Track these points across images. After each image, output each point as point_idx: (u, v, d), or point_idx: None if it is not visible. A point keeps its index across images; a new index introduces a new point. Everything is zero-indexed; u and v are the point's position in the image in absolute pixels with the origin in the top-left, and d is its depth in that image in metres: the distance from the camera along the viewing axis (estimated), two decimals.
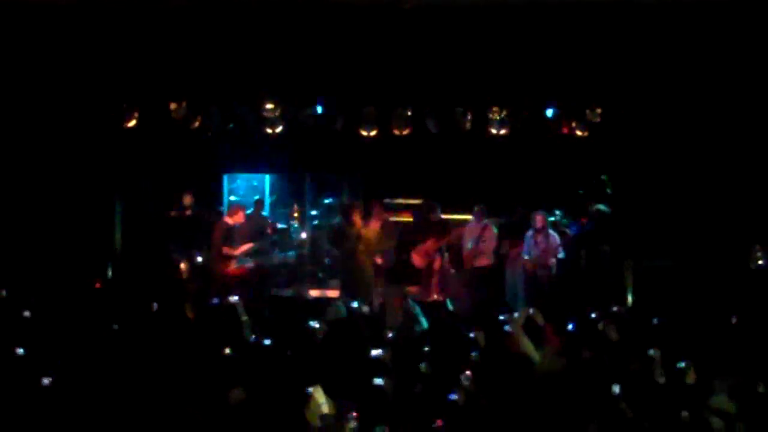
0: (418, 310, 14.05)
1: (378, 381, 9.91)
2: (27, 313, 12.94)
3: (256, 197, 19.33)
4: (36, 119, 17.24)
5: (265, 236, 18.83)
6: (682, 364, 10.49)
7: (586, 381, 9.91)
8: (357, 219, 17.45)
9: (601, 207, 18.23)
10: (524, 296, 17.45)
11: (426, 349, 11.54)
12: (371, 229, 17.71)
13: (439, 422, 8.33)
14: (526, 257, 17.75)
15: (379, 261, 17.76)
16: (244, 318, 12.54)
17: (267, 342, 11.73)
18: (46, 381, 9.54)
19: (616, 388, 9.24)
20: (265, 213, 19.74)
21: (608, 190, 18.49)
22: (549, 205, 18.44)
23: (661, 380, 10.22)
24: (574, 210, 18.89)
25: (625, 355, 11.04)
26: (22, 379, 9.68)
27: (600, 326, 12.71)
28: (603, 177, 18.51)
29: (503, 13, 15.56)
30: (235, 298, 13.31)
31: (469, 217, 18.66)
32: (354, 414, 8.35)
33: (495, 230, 18.20)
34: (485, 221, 18.23)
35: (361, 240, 17.39)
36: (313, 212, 20.30)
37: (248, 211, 18.22)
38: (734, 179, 16.96)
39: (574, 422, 8.33)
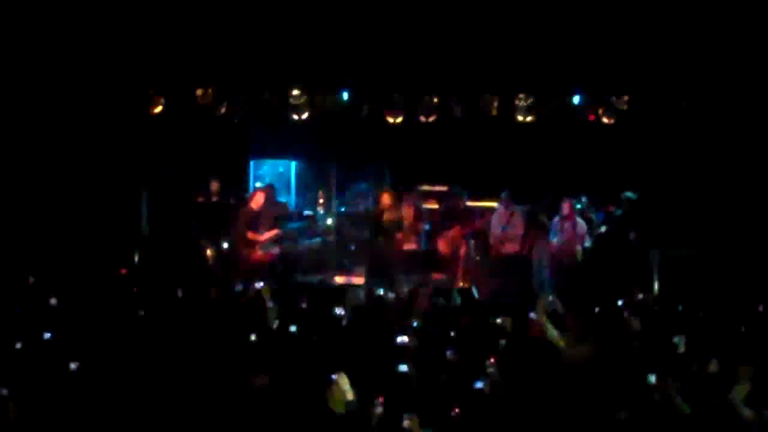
0: (442, 300, 14.04)
1: (403, 368, 9.90)
2: (54, 301, 12.96)
3: (268, 182, 19.28)
4: (63, 107, 17.27)
5: (289, 221, 18.81)
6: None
7: (613, 368, 9.87)
8: (389, 205, 17.41)
9: (629, 194, 18.14)
10: (550, 283, 17.39)
11: (452, 336, 11.52)
12: (403, 215, 17.71)
13: (456, 410, 8.30)
14: (552, 244, 17.69)
15: (411, 246, 17.77)
16: (270, 305, 12.54)
17: (292, 328, 11.72)
18: (73, 366, 9.58)
19: (652, 378, 9.19)
20: (285, 199, 19.70)
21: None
22: (575, 192, 18.34)
23: (689, 368, 10.16)
24: (600, 197, 18.79)
25: (651, 342, 10.98)
26: (49, 364, 9.72)
27: (625, 314, 12.65)
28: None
29: None
30: (260, 284, 13.29)
31: (494, 204, 18.61)
32: (380, 400, 8.33)
33: (522, 217, 18.16)
34: (513, 208, 18.18)
35: (392, 226, 17.36)
36: (339, 199, 20.25)
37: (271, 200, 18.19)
38: (761, 168, 16.87)
39: (600, 410, 8.29)
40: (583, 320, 11.30)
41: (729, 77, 16.48)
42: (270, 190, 18.70)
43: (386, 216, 17.46)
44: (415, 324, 12.10)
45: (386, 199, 17.54)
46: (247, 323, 11.82)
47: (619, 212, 18.02)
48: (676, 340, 10.85)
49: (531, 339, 10.86)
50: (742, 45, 15.99)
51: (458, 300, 13.89)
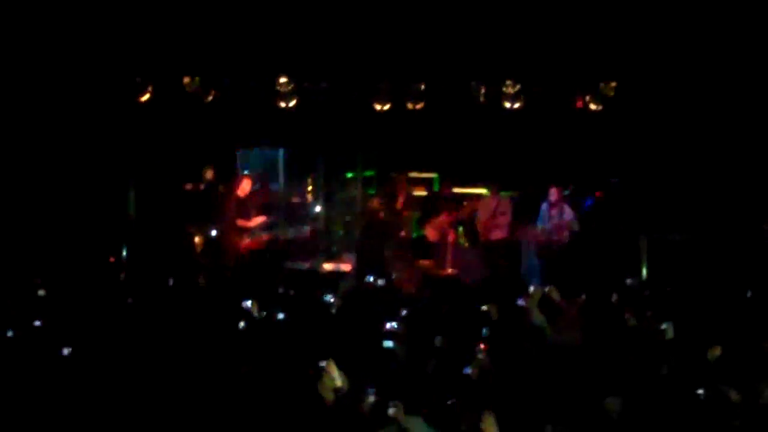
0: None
1: (388, 344, 9.95)
2: (42, 292, 12.96)
3: (261, 170, 19.25)
4: (51, 95, 17.23)
5: (278, 208, 18.79)
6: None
7: (602, 354, 9.91)
8: (381, 193, 17.40)
9: (613, 180, 18.19)
10: (538, 270, 17.42)
11: (440, 323, 11.55)
12: (395, 203, 17.73)
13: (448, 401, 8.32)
14: (540, 230, 17.71)
15: (402, 234, 17.80)
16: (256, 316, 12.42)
17: (280, 316, 11.74)
18: (65, 351, 9.60)
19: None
20: (273, 186, 19.67)
21: None
22: (563, 179, 18.35)
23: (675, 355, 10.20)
24: (588, 183, 18.81)
25: (639, 329, 11.03)
26: (39, 353, 9.73)
27: (614, 299, 12.70)
28: None
29: None
30: (248, 302, 12.93)
31: (482, 191, 18.64)
32: (372, 389, 8.36)
33: (509, 204, 18.18)
34: (500, 195, 18.20)
35: (384, 214, 17.35)
36: (327, 186, 20.23)
37: (256, 184, 18.18)
38: (748, 153, 16.92)
39: (589, 395, 8.31)
40: (573, 306, 11.36)
41: (716, 63, 16.51)
42: (262, 177, 18.70)
43: (382, 204, 17.44)
44: (404, 311, 12.14)
45: (380, 189, 17.53)
46: (237, 311, 11.85)
47: (604, 199, 18.05)
48: (664, 326, 10.89)
49: (518, 325, 10.90)
50: (728, 30, 16.02)
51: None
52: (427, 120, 18.44)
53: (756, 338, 10.46)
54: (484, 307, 11.82)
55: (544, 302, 11.38)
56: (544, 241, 17.65)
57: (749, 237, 16.62)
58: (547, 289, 11.88)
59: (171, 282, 14.25)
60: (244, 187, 17.53)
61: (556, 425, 7.51)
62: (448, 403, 8.20)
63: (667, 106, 17.19)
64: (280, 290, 14.19)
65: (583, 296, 12.93)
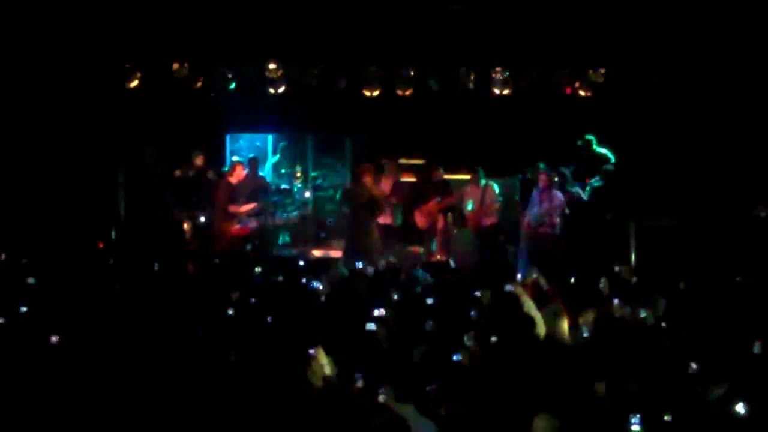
0: (421, 272, 14.08)
1: (371, 326, 9.96)
2: (31, 280, 12.93)
3: (251, 155, 19.22)
4: (39, 82, 17.18)
5: (267, 195, 18.76)
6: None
7: (592, 343, 9.92)
8: (368, 179, 17.35)
9: (607, 166, 18.17)
10: (528, 256, 17.42)
11: (429, 309, 11.54)
12: (381, 189, 17.71)
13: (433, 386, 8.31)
14: (529, 217, 17.70)
15: (387, 221, 17.78)
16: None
17: (269, 302, 11.73)
18: (54, 339, 9.59)
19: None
20: (263, 173, 19.63)
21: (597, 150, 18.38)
22: (552, 165, 18.33)
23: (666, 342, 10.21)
24: (577, 170, 18.80)
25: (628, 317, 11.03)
26: (27, 340, 9.72)
27: (602, 286, 12.69)
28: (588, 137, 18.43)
29: None
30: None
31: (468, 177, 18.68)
32: (360, 375, 8.35)
33: (496, 190, 18.18)
34: (485, 182, 18.19)
35: (371, 200, 17.30)
36: (315, 173, 20.22)
37: (245, 171, 18.17)
38: (737, 138, 16.93)
39: (579, 383, 8.31)
40: (562, 292, 11.35)
41: (706, 48, 16.52)
42: (254, 163, 18.68)
43: (369, 190, 17.36)
44: (395, 296, 12.14)
45: (368, 176, 17.44)
46: (225, 296, 11.83)
47: (596, 184, 18.04)
48: (643, 314, 10.90)
49: (508, 312, 10.88)
50: (717, 15, 16.03)
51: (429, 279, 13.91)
52: (416, 106, 18.43)
53: (745, 325, 10.48)
54: (478, 293, 11.83)
55: (534, 288, 11.39)
56: (533, 227, 17.65)
57: (740, 222, 16.64)
58: (535, 276, 11.87)
59: (158, 268, 14.22)
60: (238, 173, 17.56)
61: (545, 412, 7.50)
62: (428, 388, 8.20)
63: (656, 91, 17.20)
64: (269, 277, 14.18)
65: (572, 281, 12.96)
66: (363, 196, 17.19)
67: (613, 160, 18.33)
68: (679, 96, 17.13)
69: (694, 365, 8.74)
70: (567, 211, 17.62)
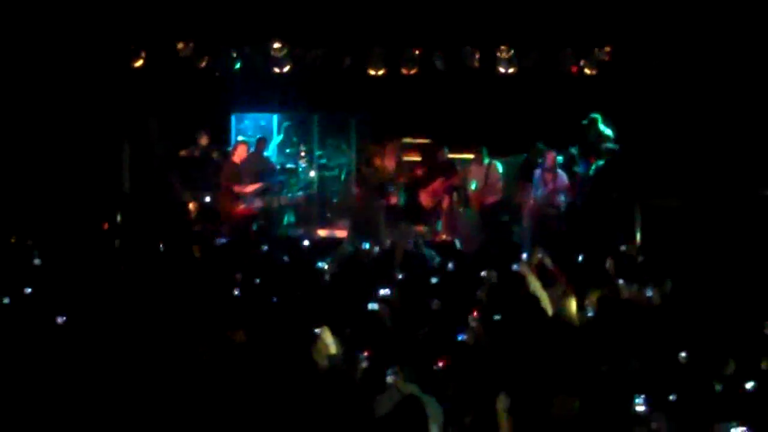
0: (426, 250, 14.09)
1: (373, 306, 9.96)
2: (37, 261, 12.95)
3: (259, 136, 19.20)
4: (44, 60, 17.16)
5: (273, 175, 18.74)
6: None
7: (596, 324, 9.92)
8: (378, 161, 17.34)
9: (611, 145, 18.12)
10: (533, 235, 17.39)
11: (435, 289, 11.55)
12: (386, 168, 17.69)
13: (441, 362, 8.30)
14: (535, 197, 17.68)
15: (392, 201, 17.77)
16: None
17: (274, 282, 11.74)
18: (60, 320, 9.61)
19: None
20: (268, 153, 19.60)
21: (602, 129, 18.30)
22: (558, 144, 18.28)
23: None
24: (583, 149, 18.76)
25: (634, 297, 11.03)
26: (33, 321, 9.73)
27: (608, 266, 12.69)
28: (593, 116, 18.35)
29: None
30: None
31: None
32: (365, 354, 8.35)
33: (500, 169, 18.14)
34: (488, 161, 18.16)
35: (381, 182, 17.30)
36: (320, 152, 20.18)
37: (251, 150, 18.16)
38: (744, 118, 16.88)
39: (584, 363, 8.31)
40: (568, 272, 11.35)
41: (713, 26, 16.46)
42: (261, 143, 18.67)
43: (375, 170, 17.36)
44: (400, 276, 12.14)
45: (378, 159, 17.44)
46: (229, 277, 11.84)
47: (601, 163, 18.00)
48: (649, 293, 10.90)
49: (513, 292, 10.88)
50: None
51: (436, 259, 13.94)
52: (421, 85, 18.38)
53: (751, 305, 10.48)
54: (484, 273, 11.82)
55: (539, 268, 11.38)
56: (539, 207, 17.63)
57: (746, 203, 16.60)
58: (540, 255, 11.86)
59: (163, 249, 14.23)
60: (240, 152, 17.55)
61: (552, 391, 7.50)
62: (434, 367, 8.20)
63: (662, 71, 17.13)
64: (274, 256, 14.19)
65: (577, 261, 12.96)
66: (375, 178, 17.21)
67: (613, 138, 18.23)
68: (685, 75, 17.07)
69: (697, 346, 8.74)
70: (566, 198, 17.60)
